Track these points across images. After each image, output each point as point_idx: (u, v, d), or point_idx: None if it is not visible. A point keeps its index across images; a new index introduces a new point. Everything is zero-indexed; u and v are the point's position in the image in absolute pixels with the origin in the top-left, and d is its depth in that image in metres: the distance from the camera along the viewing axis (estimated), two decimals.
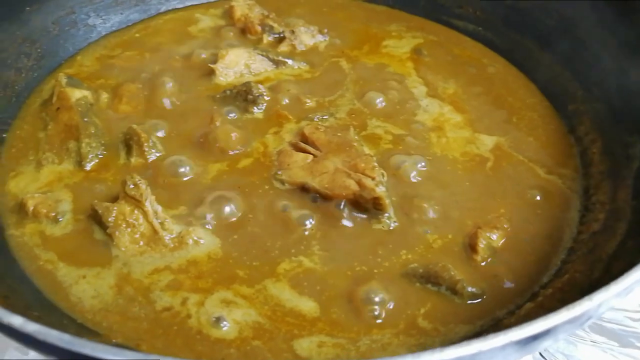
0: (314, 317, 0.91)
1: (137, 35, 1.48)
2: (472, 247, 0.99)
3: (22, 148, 1.16)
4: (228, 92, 1.27)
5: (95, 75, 1.33)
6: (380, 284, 0.95)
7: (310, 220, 1.03)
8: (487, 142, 1.21)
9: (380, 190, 1.02)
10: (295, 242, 1.01)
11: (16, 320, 0.64)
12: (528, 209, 1.08)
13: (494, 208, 1.07)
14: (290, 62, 1.38)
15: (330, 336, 0.89)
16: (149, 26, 1.51)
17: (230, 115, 1.23)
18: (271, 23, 1.47)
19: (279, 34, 1.46)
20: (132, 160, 1.13)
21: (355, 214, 1.04)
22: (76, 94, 1.21)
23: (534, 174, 1.15)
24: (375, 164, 1.07)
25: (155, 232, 0.98)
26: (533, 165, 1.16)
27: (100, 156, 1.14)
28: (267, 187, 1.09)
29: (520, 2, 1.45)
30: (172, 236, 0.99)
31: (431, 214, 1.05)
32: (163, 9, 1.56)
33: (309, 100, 1.27)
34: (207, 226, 1.02)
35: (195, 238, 0.99)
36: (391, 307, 0.93)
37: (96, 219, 1.00)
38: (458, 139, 1.21)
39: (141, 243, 0.98)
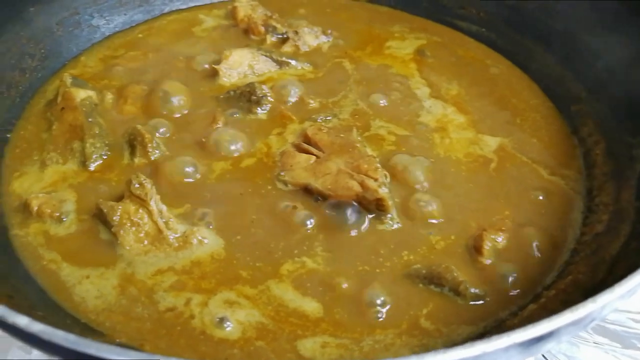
0: (317, 317, 0.91)
1: (140, 35, 1.48)
2: (477, 249, 0.99)
3: (26, 148, 1.16)
4: (232, 92, 1.27)
5: (99, 76, 1.34)
6: (383, 285, 0.95)
7: (313, 221, 1.03)
8: (491, 143, 1.21)
9: (383, 192, 1.02)
10: (298, 243, 1.01)
11: (21, 320, 0.65)
12: (531, 210, 1.08)
13: (497, 209, 1.07)
14: (293, 62, 1.38)
15: (333, 336, 0.89)
16: (153, 27, 1.52)
17: (234, 115, 1.23)
18: (274, 24, 1.47)
19: (283, 34, 1.46)
20: (136, 160, 1.13)
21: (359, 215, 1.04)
22: (81, 94, 1.21)
23: (537, 175, 1.15)
24: (378, 165, 1.07)
25: (159, 231, 0.98)
26: (536, 167, 1.16)
27: (104, 156, 1.14)
28: (269, 187, 1.09)
29: (523, 3, 1.45)
30: (176, 235, 0.99)
31: (434, 215, 1.05)
32: (166, 9, 1.57)
33: (312, 101, 1.27)
34: (210, 226, 1.02)
35: (200, 238, 0.99)
36: (394, 307, 0.93)
37: (101, 217, 1.01)
38: (461, 140, 1.21)
39: (146, 242, 0.98)
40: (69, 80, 1.25)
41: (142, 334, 0.88)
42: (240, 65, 1.35)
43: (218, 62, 1.34)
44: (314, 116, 1.24)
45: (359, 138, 1.16)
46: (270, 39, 1.45)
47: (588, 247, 1.01)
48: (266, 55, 1.37)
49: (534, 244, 1.02)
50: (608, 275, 0.91)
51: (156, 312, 0.91)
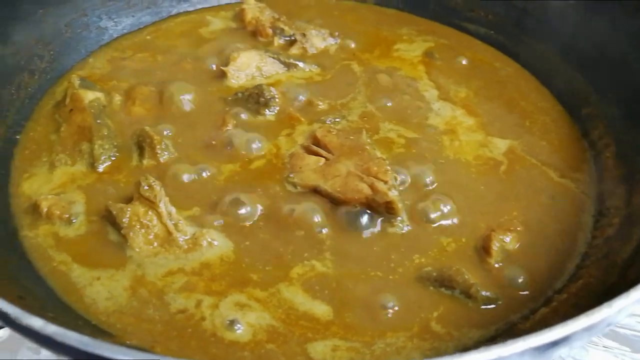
0: (327, 320, 0.91)
1: (148, 37, 1.48)
2: (485, 250, 0.99)
3: (36, 150, 1.16)
4: (240, 94, 1.27)
5: (107, 77, 1.34)
6: (393, 288, 0.95)
7: (323, 224, 1.03)
8: (500, 145, 1.21)
9: (393, 194, 1.02)
10: (307, 246, 1.01)
11: (36, 322, 0.65)
12: (541, 213, 1.08)
13: (507, 211, 1.07)
14: (301, 64, 1.38)
15: (344, 340, 0.89)
16: (160, 29, 1.52)
17: (242, 117, 1.23)
18: (282, 26, 1.47)
19: (290, 36, 1.46)
20: (145, 162, 1.13)
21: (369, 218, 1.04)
22: (89, 95, 1.21)
23: (547, 177, 1.15)
24: (388, 167, 1.07)
25: (169, 233, 0.98)
26: (546, 169, 1.16)
27: (112, 158, 1.14)
28: (278, 189, 1.09)
29: (532, 6, 1.44)
30: (186, 237, 0.99)
31: (445, 218, 1.05)
32: (174, 11, 1.57)
33: (321, 103, 1.27)
34: (219, 229, 1.02)
35: (209, 240, 0.99)
36: (405, 310, 0.92)
37: (110, 219, 1.01)
38: (471, 143, 1.21)
39: (155, 244, 0.98)
40: (77, 82, 1.25)
41: (153, 335, 0.88)
42: (248, 67, 1.35)
43: (226, 64, 1.34)
44: (322, 118, 1.24)
45: (368, 140, 1.16)
46: (278, 41, 1.46)
47: (599, 251, 1.00)
48: (274, 57, 1.37)
49: (544, 247, 1.02)
50: (620, 279, 0.90)
51: (167, 314, 0.91)
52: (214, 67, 1.36)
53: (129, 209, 1.00)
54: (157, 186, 1.01)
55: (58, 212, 1.03)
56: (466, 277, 0.94)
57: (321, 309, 0.92)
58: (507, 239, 1.01)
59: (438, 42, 1.49)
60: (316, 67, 1.39)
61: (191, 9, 1.58)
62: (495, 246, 0.99)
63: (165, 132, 1.18)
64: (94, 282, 0.95)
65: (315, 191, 1.07)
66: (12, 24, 1.27)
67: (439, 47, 1.47)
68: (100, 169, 1.12)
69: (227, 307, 0.92)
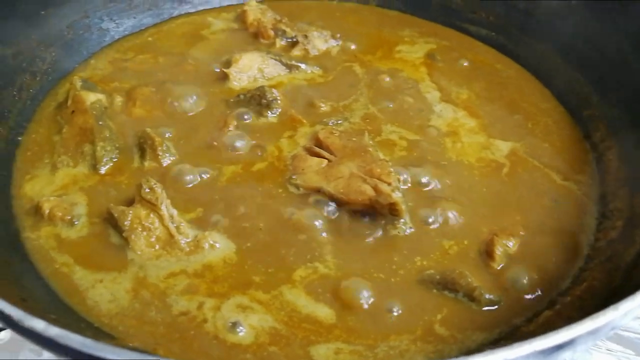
0: (330, 323, 0.91)
1: (149, 39, 1.48)
2: (488, 254, 0.99)
3: (38, 151, 1.16)
4: (242, 96, 1.27)
5: (109, 79, 1.33)
6: (396, 290, 0.95)
7: (326, 226, 1.03)
8: (503, 147, 1.21)
9: (397, 196, 1.02)
10: (310, 249, 1.00)
11: (38, 324, 0.64)
12: (544, 216, 1.08)
13: (510, 214, 1.07)
14: (303, 66, 1.38)
15: (347, 343, 0.88)
16: (162, 30, 1.51)
17: (244, 119, 1.23)
18: (284, 27, 1.47)
19: (292, 38, 1.46)
20: (146, 164, 1.13)
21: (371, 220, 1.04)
22: (91, 97, 1.21)
23: (549, 180, 1.15)
24: (391, 169, 1.06)
25: (171, 235, 0.98)
26: (549, 171, 1.16)
27: (114, 159, 1.14)
28: (281, 191, 1.09)
29: (533, 7, 1.44)
30: (187, 240, 0.98)
31: (447, 220, 1.05)
32: (175, 13, 1.57)
33: (323, 105, 1.27)
34: (222, 231, 1.02)
35: (211, 242, 0.99)
36: (408, 313, 0.92)
37: (112, 222, 1.00)
38: (473, 144, 1.21)
39: (157, 247, 0.98)
40: (79, 84, 1.25)
41: (155, 338, 0.88)
42: (250, 69, 1.34)
43: (228, 65, 1.34)
44: (324, 120, 1.23)
45: (370, 142, 1.16)
46: (280, 42, 1.45)
47: (602, 254, 1.00)
48: (276, 59, 1.37)
49: (547, 250, 1.02)
50: (624, 282, 0.90)
51: (169, 316, 0.90)
52: (216, 69, 1.36)
53: (130, 211, 0.99)
54: (159, 188, 1.00)
55: (60, 214, 1.02)
56: (469, 279, 0.94)
57: (324, 312, 0.92)
58: (510, 244, 1.00)
59: (440, 43, 1.49)
60: (318, 68, 1.39)
61: (192, 10, 1.58)
62: (498, 251, 0.98)
63: (166, 134, 1.18)
64: (96, 284, 0.94)
65: (318, 193, 1.07)
66: (13, 25, 1.26)
67: (440, 48, 1.47)
68: (102, 170, 1.11)
69: (230, 310, 0.92)
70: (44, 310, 0.86)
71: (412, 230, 1.03)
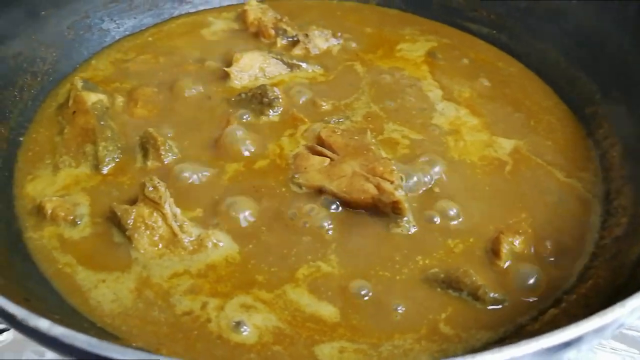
0: (334, 322, 0.90)
1: (150, 39, 1.48)
2: (495, 252, 0.98)
3: (39, 151, 1.16)
4: (243, 95, 1.26)
5: (110, 79, 1.33)
6: (401, 289, 0.94)
7: (329, 224, 1.03)
8: (505, 145, 1.20)
9: (400, 194, 1.01)
10: (313, 247, 1.00)
11: (43, 324, 0.64)
12: (548, 213, 1.07)
13: (514, 212, 1.06)
14: (304, 65, 1.38)
15: (351, 342, 0.88)
16: (162, 30, 1.51)
17: (246, 118, 1.22)
18: (284, 27, 1.47)
19: (293, 37, 1.45)
20: (149, 163, 1.12)
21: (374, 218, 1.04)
22: (92, 97, 1.20)
23: (553, 177, 1.14)
24: (394, 167, 1.06)
25: (174, 234, 0.97)
26: (552, 169, 1.16)
27: (116, 159, 1.13)
28: (283, 189, 1.09)
29: (534, 5, 1.44)
30: (191, 239, 0.98)
31: (451, 218, 1.04)
32: (176, 13, 1.57)
33: (324, 104, 1.27)
34: (225, 230, 1.01)
35: (215, 241, 0.99)
36: (412, 312, 0.92)
37: (115, 221, 1.00)
38: (476, 143, 1.20)
39: (160, 246, 0.97)
40: (80, 84, 1.24)
41: (158, 337, 0.87)
42: (251, 68, 1.34)
43: (229, 64, 1.34)
44: (326, 118, 1.23)
45: (373, 140, 1.15)
46: (281, 41, 1.45)
47: (607, 251, 1.00)
48: (277, 58, 1.37)
49: (552, 248, 1.01)
50: (629, 279, 0.90)
51: (172, 316, 0.90)
52: (217, 68, 1.36)
53: (133, 210, 0.99)
54: (162, 187, 1.00)
55: (63, 214, 1.02)
56: (474, 278, 0.94)
57: (328, 311, 0.92)
58: (517, 242, 1.00)
59: (441, 42, 1.49)
60: (319, 67, 1.38)
61: (193, 10, 1.58)
62: (504, 249, 0.98)
63: (168, 134, 1.18)
64: (99, 284, 0.94)
65: (321, 192, 1.06)
66: (14, 26, 1.26)
67: (441, 47, 1.47)
68: (105, 170, 1.11)
69: (233, 309, 0.91)
70: (47, 310, 0.84)
71: (416, 228, 1.02)
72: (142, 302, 0.92)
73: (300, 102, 1.27)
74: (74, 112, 1.19)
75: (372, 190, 1.02)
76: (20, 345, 0.99)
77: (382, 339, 0.89)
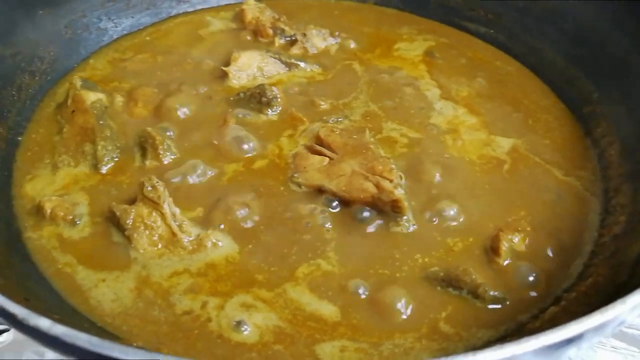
0: (335, 321, 0.90)
1: (148, 38, 1.48)
2: (494, 250, 0.99)
3: (38, 151, 1.15)
4: (242, 94, 1.26)
5: (108, 79, 1.33)
6: (400, 288, 0.94)
7: (328, 223, 1.03)
8: (504, 144, 1.20)
9: (399, 193, 1.01)
10: (313, 246, 1.00)
11: (44, 323, 0.64)
12: (547, 212, 1.07)
13: (513, 211, 1.07)
14: (302, 64, 1.38)
15: (352, 340, 0.88)
16: (160, 29, 1.51)
17: (244, 117, 1.22)
18: (282, 26, 1.47)
19: (291, 36, 1.45)
20: (147, 163, 1.12)
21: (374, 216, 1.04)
22: (91, 96, 1.20)
23: (551, 176, 1.14)
24: (393, 166, 1.06)
25: (173, 234, 0.97)
26: (550, 168, 1.16)
27: (115, 159, 1.13)
28: (282, 189, 1.09)
29: (532, 5, 1.44)
30: (190, 238, 0.98)
31: (451, 217, 1.04)
32: (174, 12, 1.56)
33: (322, 103, 1.27)
34: (224, 229, 1.01)
35: (214, 240, 0.98)
36: (412, 311, 0.92)
37: (114, 221, 1.00)
38: (474, 142, 1.20)
39: (159, 245, 0.97)
40: (78, 83, 1.24)
41: (158, 337, 0.87)
42: (250, 67, 1.34)
43: (227, 64, 1.33)
44: (324, 118, 1.23)
45: (372, 139, 1.15)
46: (279, 41, 1.45)
47: (607, 249, 1.00)
48: (275, 58, 1.37)
49: (551, 246, 1.01)
50: (629, 278, 0.90)
51: (173, 315, 0.90)
52: (215, 67, 1.35)
53: (132, 210, 0.99)
54: (161, 187, 1.00)
55: (62, 214, 1.02)
56: (474, 277, 0.94)
57: (328, 309, 0.92)
58: (516, 239, 1.00)
59: (438, 41, 1.49)
60: (317, 67, 1.38)
61: (191, 9, 1.58)
62: (504, 246, 0.98)
63: (167, 133, 1.18)
64: (99, 283, 0.94)
65: (320, 191, 1.06)
66: (11, 25, 1.26)
67: (439, 46, 1.47)
68: (104, 170, 1.11)
69: (233, 308, 0.91)
70: (47, 310, 0.84)
71: (415, 227, 1.03)
72: (142, 302, 0.92)
73: (299, 101, 1.27)
74: (73, 111, 1.19)
75: (372, 189, 1.03)
76: (20, 345, 0.98)
77: (383, 337, 0.89)
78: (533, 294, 0.95)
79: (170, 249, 0.97)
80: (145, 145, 1.14)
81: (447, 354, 0.85)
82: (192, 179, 1.09)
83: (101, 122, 1.16)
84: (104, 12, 1.46)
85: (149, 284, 0.94)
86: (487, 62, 1.43)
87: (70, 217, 1.02)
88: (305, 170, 1.10)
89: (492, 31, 1.50)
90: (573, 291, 0.94)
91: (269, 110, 1.24)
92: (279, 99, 1.25)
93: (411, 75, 1.37)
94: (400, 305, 0.92)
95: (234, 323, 0.89)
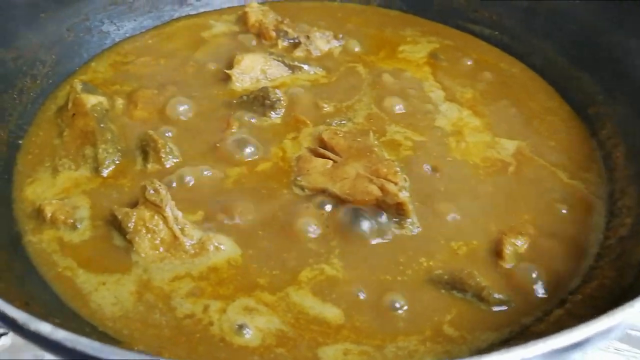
0: (338, 324, 0.89)
1: (150, 41, 1.47)
2: (498, 253, 0.98)
3: (38, 154, 1.15)
4: (245, 97, 1.26)
5: (110, 82, 1.32)
6: (405, 291, 0.93)
7: (332, 226, 1.02)
8: (508, 146, 1.19)
9: (404, 196, 1.01)
10: (316, 250, 0.99)
11: (45, 328, 0.63)
12: (552, 214, 1.06)
13: (518, 214, 1.06)
14: (306, 67, 1.37)
15: (355, 344, 0.87)
16: (163, 32, 1.51)
17: (248, 120, 1.21)
18: (286, 28, 1.46)
19: (294, 39, 1.45)
20: (149, 166, 1.12)
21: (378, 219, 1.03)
22: (91, 100, 1.20)
23: (556, 178, 1.13)
24: (398, 169, 1.05)
25: (175, 238, 0.96)
26: (555, 170, 1.15)
27: (116, 162, 1.12)
28: (286, 192, 1.08)
29: (536, 6, 1.43)
30: (192, 242, 0.97)
31: (455, 220, 1.03)
32: (176, 15, 1.56)
33: (326, 105, 1.26)
34: (226, 233, 1.00)
35: (216, 244, 0.98)
36: (416, 313, 0.91)
37: (115, 224, 0.99)
38: (478, 144, 1.20)
39: (161, 249, 0.96)
40: (79, 87, 1.24)
41: (160, 341, 0.86)
42: (253, 70, 1.33)
43: (230, 67, 1.33)
44: (328, 120, 1.22)
45: (376, 142, 1.15)
46: (282, 43, 1.44)
47: (613, 252, 0.99)
48: (278, 60, 1.36)
49: (556, 249, 1.00)
50: (635, 279, 0.89)
51: (174, 319, 0.89)
52: (218, 70, 1.35)
53: (134, 213, 0.98)
54: (163, 190, 0.99)
55: (62, 217, 1.01)
56: (478, 279, 0.93)
57: (332, 313, 0.91)
58: (519, 243, 0.99)
59: (442, 43, 1.48)
60: (321, 69, 1.38)
61: (193, 12, 1.57)
62: (507, 250, 0.97)
63: (168, 135, 1.17)
64: (99, 287, 0.93)
65: (324, 194, 1.06)
66: (13, 28, 1.25)
67: (443, 48, 1.47)
68: (105, 173, 1.10)
69: (235, 312, 0.90)
70: (48, 314, 0.84)
71: (420, 230, 1.02)
72: (143, 305, 0.91)
73: (302, 104, 1.26)
74: (74, 114, 1.18)
75: (376, 191, 1.02)
76: (18, 349, 0.98)
77: (387, 340, 0.88)
78: (538, 296, 0.94)
79: (172, 252, 0.96)
80: (147, 149, 1.13)
81: (451, 357, 0.84)
82: (194, 182, 1.08)
83: (102, 125, 1.15)
84: (106, 15, 1.46)
85: (150, 287, 0.93)
86: (492, 64, 1.42)
87: (71, 221, 1.01)
88: (309, 173, 1.09)
89: (496, 33, 1.49)
90: (578, 293, 0.93)
91: (273, 113, 1.23)
92: (282, 102, 1.24)
93: (415, 77, 1.37)
94: (404, 307, 0.91)
95: (236, 326, 0.88)
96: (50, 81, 1.30)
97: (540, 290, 0.94)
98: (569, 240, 1.02)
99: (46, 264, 0.96)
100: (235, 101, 1.26)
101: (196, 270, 0.95)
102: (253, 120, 1.22)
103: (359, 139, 1.13)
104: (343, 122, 1.22)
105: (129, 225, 0.97)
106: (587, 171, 1.16)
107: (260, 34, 1.46)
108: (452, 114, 1.27)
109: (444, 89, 1.33)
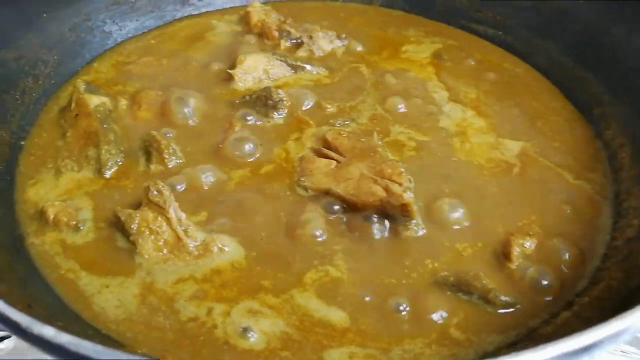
0: (343, 327, 0.89)
1: (152, 41, 1.47)
2: (505, 255, 0.97)
3: (41, 155, 1.14)
4: (247, 97, 1.25)
5: (112, 82, 1.32)
6: (410, 293, 0.93)
7: (335, 228, 1.01)
8: (512, 147, 1.19)
9: (409, 197, 1.00)
10: (320, 251, 0.98)
11: (48, 331, 0.62)
12: (558, 215, 1.06)
13: (524, 215, 1.05)
14: (308, 67, 1.36)
15: (361, 347, 0.86)
16: (165, 32, 1.50)
17: (250, 120, 1.21)
18: (288, 28, 1.45)
19: (297, 39, 1.44)
20: (152, 167, 1.11)
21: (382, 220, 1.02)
22: (94, 100, 1.19)
23: (562, 179, 1.13)
24: (402, 169, 1.04)
25: (179, 239, 0.96)
26: (561, 171, 1.14)
27: (119, 163, 1.12)
28: (289, 193, 1.07)
29: (540, 5, 1.43)
30: (196, 244, 0.96)
31: (460, 221, 1.03)
32: (178, 15, 1.55)
33: (329, 106, 1.25)
34: (230, 234, 1.00)
35: (220, 245, 0.97)
36: (422, 316, 0.90)
37: (118, 226, 0.98)
38: (482, 145, 1.19)
39: (165, 251, 0.96)
40: (82, 87, 1.23)
41: (164, 344, 0.86)
42: (255, 70, 1.33)
43: (232, 67, 1.32)
44: (331, 121, 1.22)
45: (380, 142, 1.14)
46: (285, 43, 1.44)
47: (619, 253, 0.98)
48: (281, 60, 1.35)
49: (563, 250, 0.99)
50: None
51: (178, 322, 0.88)
52: (221, 70, 1.34)
53: (137, 214, 0.97)
54: (167, 191, 0.99)
55: (65, 219, 1.00)
56: (484, 282, 0.92)
57: (337, 315, 0.90)
58: (527, 244, 0.98)
59: (446, 43, 1.48)
60: (324, 69, 1.37)
61: (195, 12, 1.57)
62: (515, 251, 0.96)
63: (172, 137, 1.16)
64: (102, 289, 0.92)
65: (327, 194, 1.05)
66: (15, 29, 1.25)
67: (447, 48, 1.46)
68: (107, 174, 1.10)
69: (240, 314, 0.90)
70: (50, 316, 0.83)
71: (425, 231, 1.01)
72: (146, 308, 0.90)
73: (305, 104, 1.26)
74: (77, 115, 1.18)
75: (380, 192, 1.01)
76: (21, 353, 0.97)
77: (392, 343, 0.87)
78: (545, 298, 0.93)
79: (176, 254, 0.96)
80: (150, 150, 1.12)
81: None
82: (197, 183, 1.08)
83: (105, 126, 1.15)
84: (109, 15, 1.45)
85: (154, 290, 0.92)
86: (496, 64, 1.42)
87: (74, 222, 1.00)
88: (312, 173, 1.08)
89: (500, 33, 1.49)
90: (585, 295, 0.93)
91: (275, 113, 1.22)
92: (285, 102, 1.23)
93: (419, 77, 1.36)
94: (409, 309, 0.90)
95: (241, 329, 0.87)
96: (53, 81, 1.30)
97: (546, 293, 0.94)
98: (576, 241, 1.02)
99: (49, 266, 0.96)
100: (237, 101, 1.25)
101: (200, 272, 0.95)
102: (255, 121, 1.21)
103: (362, 139, 1.13)
104: (346, 122, 1.22)
105: (132, 226, 0.96)
106: (593, 172, 1.15)
107: (263, 34, 1.46)
108: (456, 115, 1.26)
109: (448, 89, 1.32)
